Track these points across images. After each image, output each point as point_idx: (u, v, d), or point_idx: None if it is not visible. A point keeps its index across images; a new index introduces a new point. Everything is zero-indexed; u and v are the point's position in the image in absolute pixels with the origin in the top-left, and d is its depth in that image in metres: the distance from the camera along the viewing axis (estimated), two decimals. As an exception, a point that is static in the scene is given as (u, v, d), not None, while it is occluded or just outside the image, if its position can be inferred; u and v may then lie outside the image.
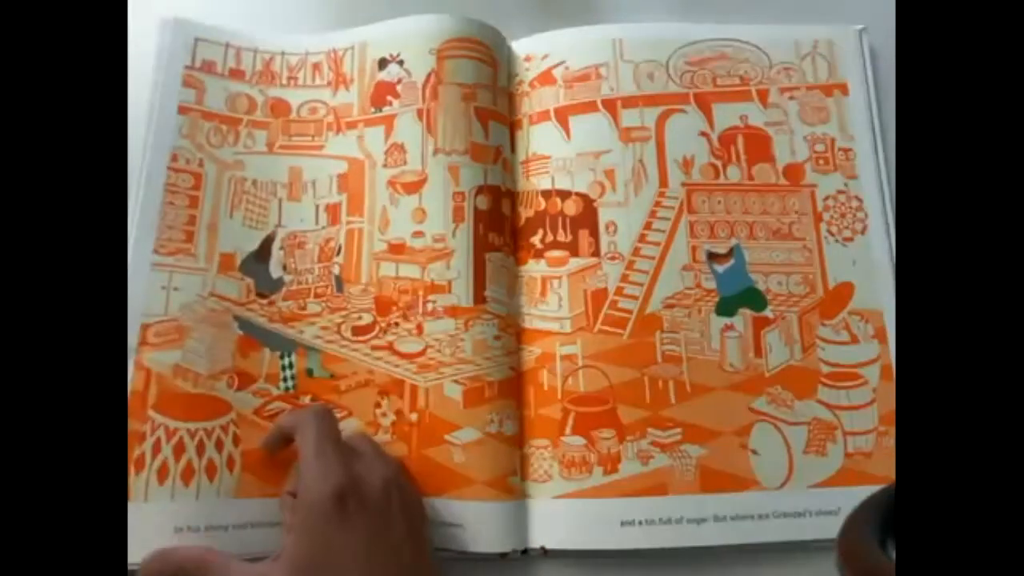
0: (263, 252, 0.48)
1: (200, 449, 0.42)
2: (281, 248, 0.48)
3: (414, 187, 0.49)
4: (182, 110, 0.49)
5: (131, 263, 0.45)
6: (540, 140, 0.51)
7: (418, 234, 0.48)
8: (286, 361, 0.45)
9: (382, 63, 0.52)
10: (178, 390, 0.43)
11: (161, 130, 0.48)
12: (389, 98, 0.51)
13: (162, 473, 0.41)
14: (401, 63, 0.51)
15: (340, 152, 0.50)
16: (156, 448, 0.42)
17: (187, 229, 0.47)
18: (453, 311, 0.46)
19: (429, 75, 0.50)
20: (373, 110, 0.51)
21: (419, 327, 0.46)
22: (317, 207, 0.49)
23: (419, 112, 0.50)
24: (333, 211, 0.49)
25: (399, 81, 0.51)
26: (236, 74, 0.52)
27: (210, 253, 0.47)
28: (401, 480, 0.40)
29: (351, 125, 0.51)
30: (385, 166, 0.49)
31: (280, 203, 0.49)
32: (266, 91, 0.52)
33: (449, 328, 0.46)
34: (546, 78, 0.52)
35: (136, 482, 0.41)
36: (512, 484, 0.44)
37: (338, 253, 0.48)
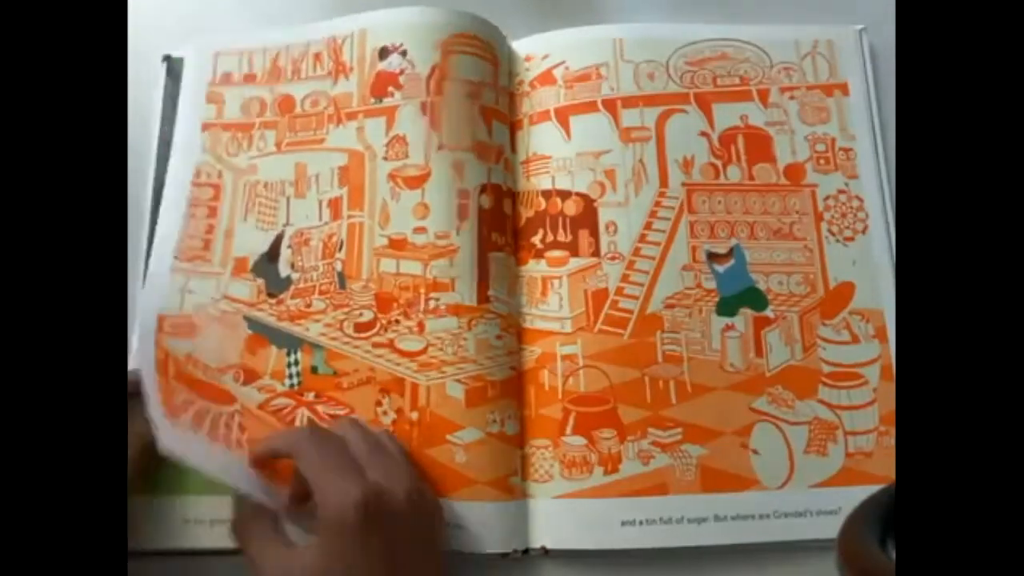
0: (273, 252, 0.48)
1: (214, 424, 0.43)
2: (289, 247, 0.48)
3: (416, 182, 0.48)
4: (205, 127, 0.51)
5: (153, 266, 0.47)
6: (540, 140, 0.51)
7: (420, 230, 0.47)
8: (292, 358, 0.46)
9: (383, 52, 0.51)
10: (190, 374, 0.44)
11: (187, 149, 0.50)
12: (391, 89, 0.50)
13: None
14: (404, 54, 0.51)
15: (340, 144, 0.50)
16: None
17: (206, 238, 0.48)
18: (456, 309, 0.46)
19: (433, 69, 0.50)
20: (373, 100, 0.50)
21: (420, 325, 0.46)
22: (320, 202, 0.49)
23: (423, 105, 0.50)
24: (335, 205, 0.49)
25: (401, 72, 0.50)
26: (249, 78, 0.52)
27: (225, 258, 0.48)
28: (422, 486, 0.40)
29: (351, 116, 0.50)
30: (386, 159, 0.49)
31: (288, 201, 0.49)
32: (275, 89, 0.52)
33: (452, 327, 0.46)
34: (546, 78, 0.52)
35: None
36: (513, 484, 0.44)
37: (340, 249, 0.48)
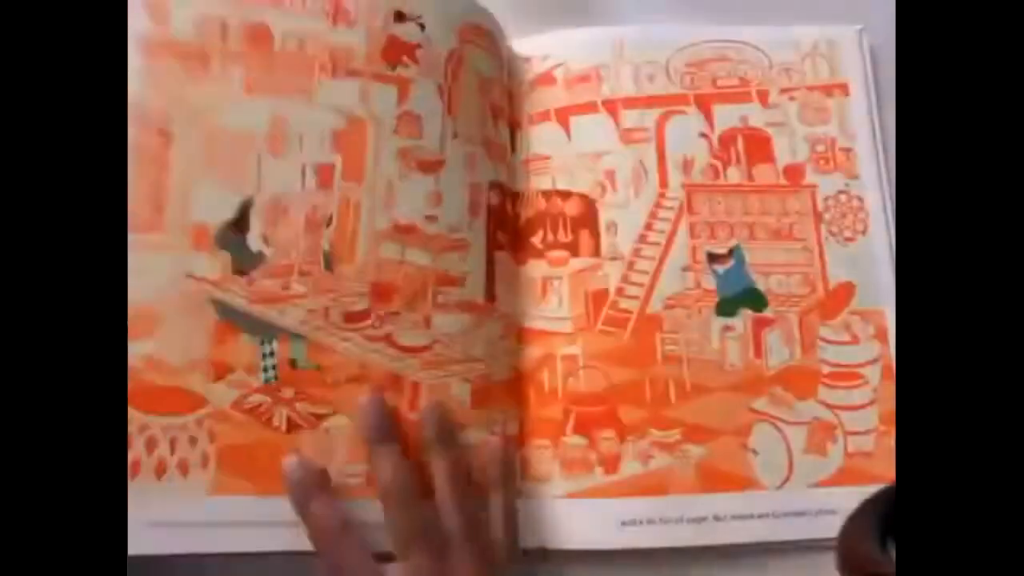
0: (241, 221, 0.41)
1: (172, 445, 0.39)
2: (261, 216, 0.42)
3: (431, 167, 0.45)
4: (145, 49, 0.42)
5: None
6: (540, 140, 0.51)
7: (431, 218, 0.44)
8: (267, 349, 0.40)
9: (399, 16, 0.46)
10: (150, 383, 0.39)
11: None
12: (406, 59, 0.46)
13: (135, 469, 0.38)
14: (422, 27, 0.47)
15: (337, 103, 0.44)
16: (129, 443, 0.38)
17: (157, 199, 0.41)
18: (468, 307, 0.44)
19: (451, 54, 0.47)
20: (385, 65, 0.45)
21: (427, 320, 0.43)
22: (304, 166, 0.43)
23: (440, 88, 0.47)
24: (323, 173, 0.43)
25: (418, 46, 0.46)
26: None
27: (182, 225, 0.41)
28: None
29: (353, 74, 0.45)
30: (396, 134, 0.45)
31: (259, 160, 0.42)
32: (245, 14, 0.43)
33: (462, 324, 0.44)
34: (546, 79, 0.52)
35: None
36: (512, 484, 0.44)
37: (328, 224, 0.43)
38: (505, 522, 0.40)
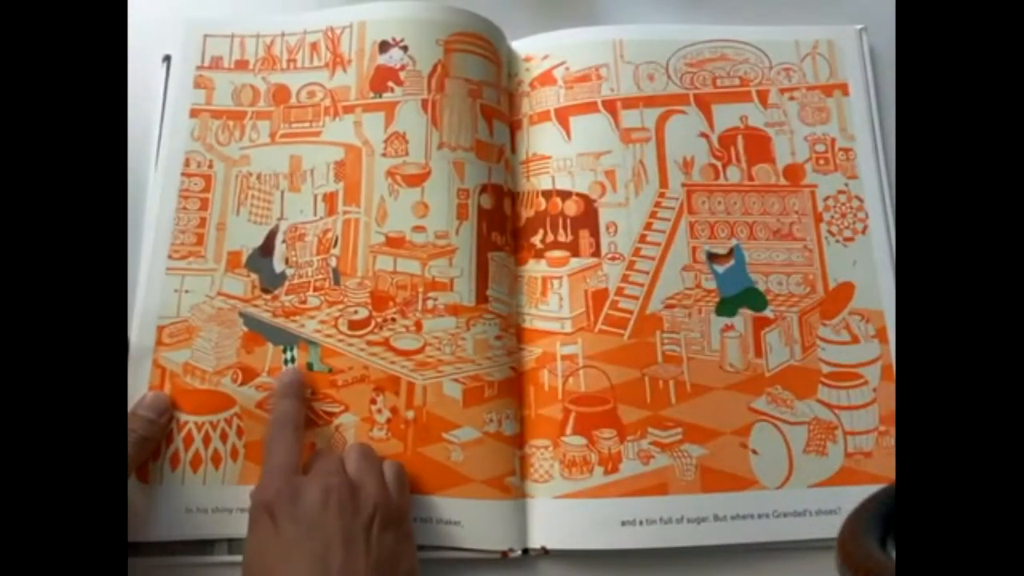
0: (267, 247, 0.48)
1: (206, 440, 0.44)
2: (283, 242, 0.48)
3: (416, 180, 0.48)
4: (193, 113, 0.50)
5: (148, 269, 0.47)
6: (540, 140, 0.51)
7: (419, 229, 0.47)
8: (288, 355, 0.45)
9: (383, 46, 0.51)
10: (188, 386, 0.45)
11: (175, 136, 0.49)
12: (390, 84, 0.50)
13: (174, 461, 0.43)
14: (405, 49, 0.50)
15: (337, 138, 0.50)
16: (169, 439, 0.44)
17: (198, 232, 0.48)
18: (455, 309, 0.46)
19: (436, 66, 0.50)
20: (372, 95, 0.50)
21: (418, 324, 0.46)
22: (315, 197, 0.49)
23: (424, 103, 0.49)
24: (330, 200, 0.48)
25: (402, 68, 0.50)
26: (241, 65, 0.51)
27: (218, 253, 0.47)
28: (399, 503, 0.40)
29: (348, 109, 0.50)
30: (384, 155, 0.49)
31: (282, 195, 0.49)
32: (268, 78, 0.51)
33: (450, 326, 0.46)
34: (546, 79, 0.52)
35: (153, 468, 0.43)
36: (510, 484, 0.44)
37: (335, 244, 0.48)
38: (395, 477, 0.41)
